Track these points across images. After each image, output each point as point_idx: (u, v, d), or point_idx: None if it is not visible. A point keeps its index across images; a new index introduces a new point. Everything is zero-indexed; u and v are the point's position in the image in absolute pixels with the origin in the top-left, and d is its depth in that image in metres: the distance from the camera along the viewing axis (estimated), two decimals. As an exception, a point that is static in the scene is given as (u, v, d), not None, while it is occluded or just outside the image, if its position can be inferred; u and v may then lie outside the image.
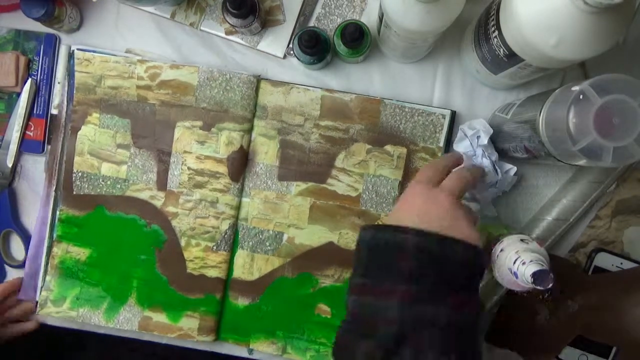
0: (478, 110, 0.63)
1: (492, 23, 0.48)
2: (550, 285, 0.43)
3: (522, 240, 0.49)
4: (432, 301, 0.41)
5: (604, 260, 0.62)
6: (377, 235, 0.44)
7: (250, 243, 0.63)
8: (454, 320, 0.41)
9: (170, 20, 0.64)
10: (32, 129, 0.65)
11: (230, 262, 0.64)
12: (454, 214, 0.45)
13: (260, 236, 0.63)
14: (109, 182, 0.64)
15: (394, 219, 0.46)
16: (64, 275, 0.64)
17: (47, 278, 0.64)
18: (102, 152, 0.64)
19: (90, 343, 0.71)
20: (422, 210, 0.45)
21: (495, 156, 0.58)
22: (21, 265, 0.66)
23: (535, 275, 0.43)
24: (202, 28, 0.64)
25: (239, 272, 0.64)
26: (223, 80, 0.62)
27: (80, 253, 0.64)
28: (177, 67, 0.62)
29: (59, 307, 0.64)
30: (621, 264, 0.62)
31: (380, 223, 0.45)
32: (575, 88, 0.41)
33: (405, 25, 0.47)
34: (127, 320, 0.64)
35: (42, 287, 0.65)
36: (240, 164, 0.62)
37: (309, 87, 0.62)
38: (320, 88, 0.62)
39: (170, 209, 0.63)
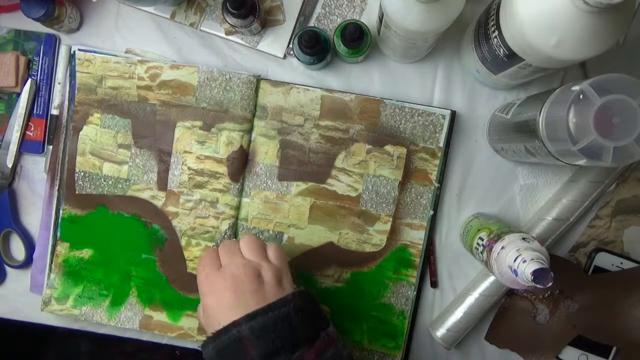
0: (478, 110, 0.63)
1: (492, 23, 0.48)
2: (550, 284, 0.43)
3: (523, 238, 0.49)
4: None
5: (604, 260, 0.62)
6: (215, 344, 0.44)
7: (251, 243, 0.63)
8: None
9: (170, 20, 0.64)
10: (32, 129, 0.65)
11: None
12: (251, 270, 0.47)
13: (261, 236, 0.63)
14: (110, 182, 0.64)
15: (217, 320, 0.46)
16: (68, 273, 0.65)
17: (52, 276, 0.65)
18: (104, 152, 0.64)
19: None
20: (231, 298, 0.46)
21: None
22: (21, 266, 0.66)
23: (535, 273, 0.43)
24: (202, 28, 0.64)
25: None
26: (223, 80, 0.62)
27: (83, 252, 0.65)
28: (177, 67, 0.62)
29: (63, 305, 0.64)
30: (621, 263, 0.62)
31: (207, 335, 0.47)
32: (575, 88, 0.41)
33: (405, 26, 0.47)
34: (128, 319, 0.64)
35: (46, 285, 0.65)
36: (240, 164, 0.63)
37: (309, 87, 0.62)
38: (320, 88, 0.62)
39: (171, 208, 0.64)
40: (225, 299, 0.46)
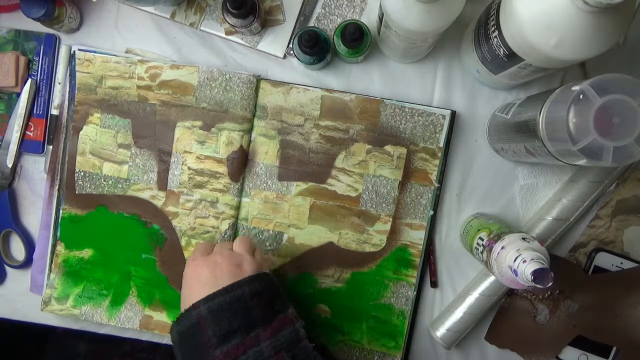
0: (478, 110, 0.63)
1: (492, 23, 0.48)
2: (550, 284, 0.43)
3: (523, 238, 0.49)
4: (250, 345, 0.43)
5: (604, 260, 0.62)
6: (177, 327, 0.46)
7: (251, 243, 0.64)
8: (278, 345, 0.44)
9: (170, 20, 0.64)
10: (32, 129, 0.65)
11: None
12: (234, 260, 0.49)
13: (261, 236, 0.63)
14: (110, 182, 0.64)
15: (187, 302, 0.48)
16: (67, 273, 0.65)
17: (52, 276, 0.65)
18: (104, 151, 0.64)
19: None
20: (208, 277, 0.48)
21: None
22: (21, 266, 0.66)
23: (535, 273, 0.43)
24: (202, 28, 0.64)
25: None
26: (223, 80, 0.62)
27: (83, 251, 0.65)
28: (177, 67, 0.62)
29: (63, 304, 0.64)
30: (621, 263, 0.62)
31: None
32: (575, 88, 0.41)
33: (405, 26, 0.47)
34: (129, 319, 0.64)
35: (46, 285, 0.65)
36: (240, 164, 0.63)
37: (309, 87, 0.62)
38: (320, 88, 0.62)
39: (171, 208, 0.63)
40: (201, 280, 0.48)
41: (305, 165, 0.63)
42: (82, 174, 0.64)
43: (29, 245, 0.66)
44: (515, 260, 0.46)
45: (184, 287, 0.50)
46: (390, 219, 0.62)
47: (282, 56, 0.64)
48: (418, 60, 0.63)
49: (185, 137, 0.63)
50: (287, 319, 0.46)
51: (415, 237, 0.63)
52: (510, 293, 0.63)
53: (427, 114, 0.61)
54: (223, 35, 0.64)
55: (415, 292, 0.63)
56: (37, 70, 0.65)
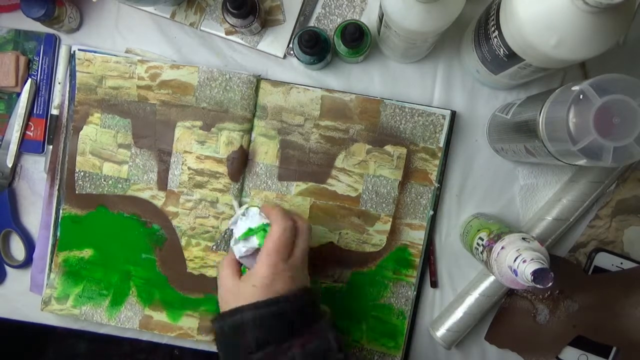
0: (478, 110, 0.63)
1: (492, 23, 0.48)
2: (550, 284, 0.43)
3: (523, 238, 0.49)
4: (281, 354, 0.45)
5: (604, 260, 0.62)
6: (220, 323, 0.48)
7: (251, 243, 0.63)
8: (307, 353, 0.45)
9: (170, 20, 0.64)
10: (32, 129, 0.65)
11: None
12: (275, 269, 0.49)
13: (261, 236, 0.63)
14: (110, 182, 0.64)
15: (235, 295, 0.49)
16: (68, 273, 0.65)
17: (52, 276, 0.65)
18: (104, 151, 0.64)
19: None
20: (265, 277, 0.48)
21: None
22: (21, 265, 0.66)
23: (535, 273, 0.43)
24: (202, 28, 0.64)
25: (239, 272, 0.64)
26: (223, 80, 0.62)
27: (83, 251, 0.65)
28: (178, 67, 0.62)
29: (63, 304, 0.64)
30: (621, 264, 0.62)
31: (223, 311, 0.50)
32: (575, 88, 0.41)
33: (405, 26, 0.47)
34: (128, 319, 0.64)
35: (46, 285, 0.65)
36: (240, 164, 0.63)
37: (309, 87, 0.62)
38: (320, 88, 0.62)
39: (171, 208, 0.63)
40: (256, 277, 0.49)
41: (305, 165, 0.63)
42: (82, 174, 0.64)
43: (29, 245, 0.66)
44: (515, 260, 0.46)
45: (262, 272, 0.49)
46: (390, 219, 0.62)
47: (282, 56, 0.64)
48: (418, 60, 0.63)
49: (185, 137, 0.63)
50: (320, 330, 0.48)
51: (415, 237, 0.63)
52: (510, 293, 0.63)
53: (427, 114, 0.61)
54: (223, 35, 0.64)
55: (415, 292, 0.63)
56: (37, 70, 0.65)
